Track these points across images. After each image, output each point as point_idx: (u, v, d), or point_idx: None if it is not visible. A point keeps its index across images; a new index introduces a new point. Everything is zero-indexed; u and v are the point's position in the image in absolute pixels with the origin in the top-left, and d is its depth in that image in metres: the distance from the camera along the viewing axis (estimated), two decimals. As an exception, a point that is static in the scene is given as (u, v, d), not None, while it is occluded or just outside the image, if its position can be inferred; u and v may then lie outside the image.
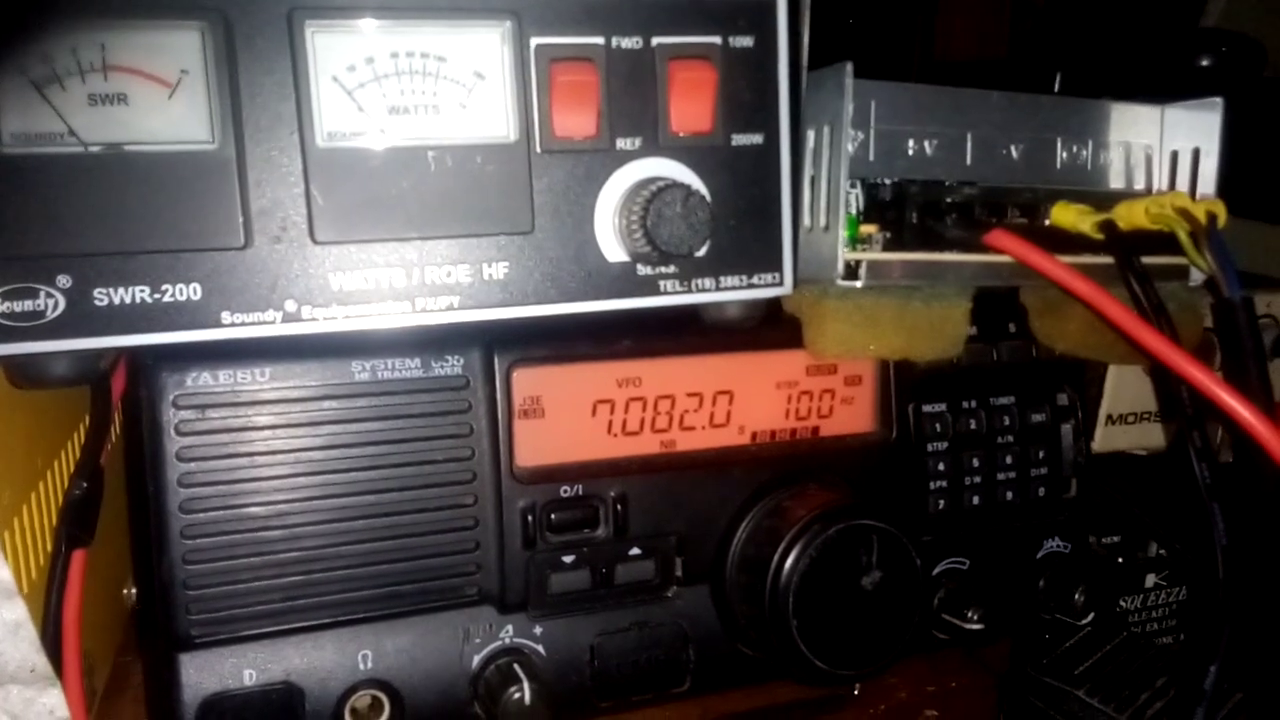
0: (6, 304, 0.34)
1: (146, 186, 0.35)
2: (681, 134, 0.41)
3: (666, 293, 0.41)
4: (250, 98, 0.35)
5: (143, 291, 0.35)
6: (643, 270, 0.41)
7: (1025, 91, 0.50)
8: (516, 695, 0.40)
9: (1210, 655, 0.37)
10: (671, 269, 0.41)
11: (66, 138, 0.34)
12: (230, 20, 0.35)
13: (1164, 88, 0.54)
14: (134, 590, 0.56)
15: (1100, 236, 0.45)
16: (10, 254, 0.34)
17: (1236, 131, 0.52)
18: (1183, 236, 0.45)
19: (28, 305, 0.34)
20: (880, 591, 0.44)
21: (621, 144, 0.40)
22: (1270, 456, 0.36)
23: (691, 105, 0.41)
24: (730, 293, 0.42)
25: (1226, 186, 0.52)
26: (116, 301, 0.35)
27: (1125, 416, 0.56)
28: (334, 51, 0.36)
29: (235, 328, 0.36)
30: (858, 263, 0.44)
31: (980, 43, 1.25)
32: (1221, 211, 0.46)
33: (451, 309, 0.39)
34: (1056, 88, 0.66)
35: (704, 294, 0.42)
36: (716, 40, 0.41)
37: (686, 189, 0.39)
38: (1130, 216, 0.47)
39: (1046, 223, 0.48)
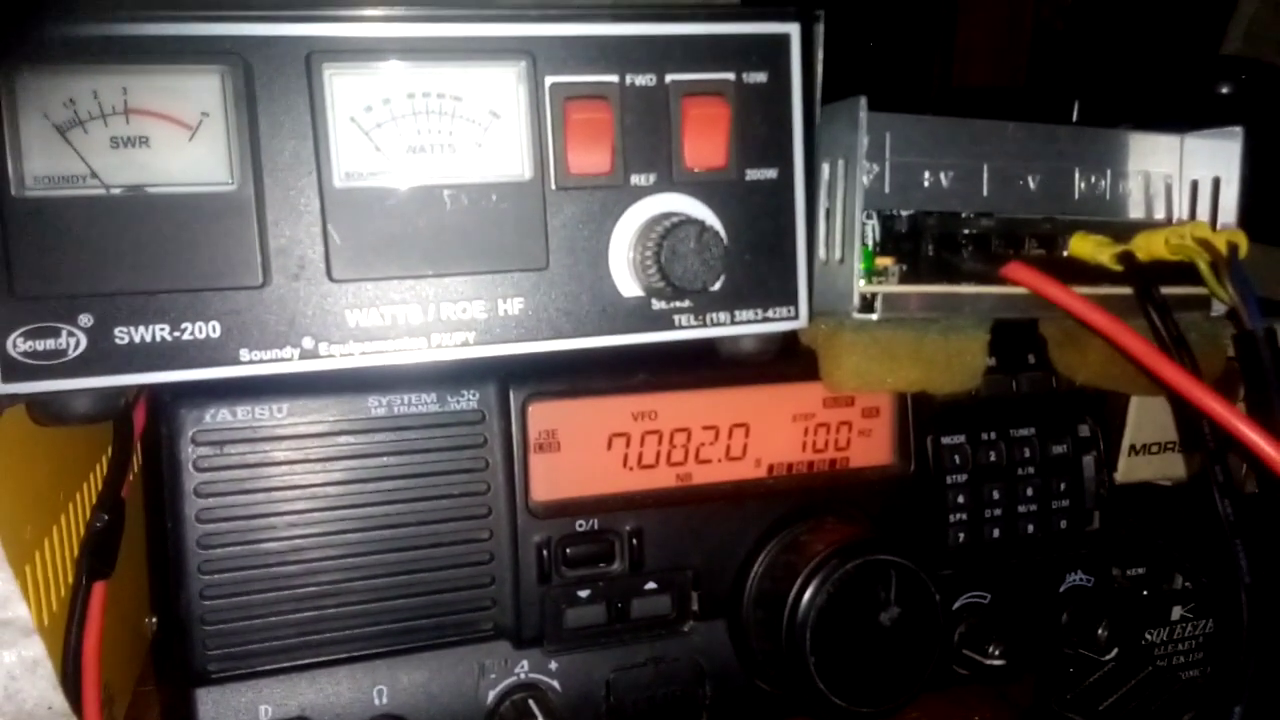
0: (29, 343, 0.34)
1: (167, 227, 0.35)
2: (696, 169, 0.41)
3: (681, 327, 0.41)
4: (269, 139, 0.36)
5: (163, 330, 0.36)
6: (657, 305, 0.41)
7: (1045, 119, 0.50)
8: (532, 732, 0.40)
9: (1236, 695, 0.36)
10: (686, 304, 0.41)
11: (89, 180, 0.34)
12: (250, 64, 0.35)
13: (1184, 116, 0.53)
14: (155, 619, 0.56)
15: (1119, 268, 0.45)
16: (33, 293, 0.34)
17: (1260, 158, 0.52)
18: (1203, 267, 0.45)
19: (50, 344, 0.35)
20: (899, 627, 0.43)
21: (636, 180, 0.40)
22: (1295, 492, 0.36)
23: (705, 141, 0.41)
24: (745, 326, 0.42)
25: (1251, 213, 0.51)
26: (137, 340, 0.35)
27: (1149, 447, 0.56)
28: (351, 93, 0.37)
29: (253, 365, 0.37)
30: (873, 295, 0.44)
31: (999, 68, 1.25)
32: (1243, 241, 0.46)
33: (467, 345, 0.39)
34: (1075, 116, 0.66)
35: (719, 328, 0.42)
36: (730, 76, 0.41)
37: (700, 225, 0.39)
38: (1150, 247, 0.46)
39: (1065, 254, 0.47)
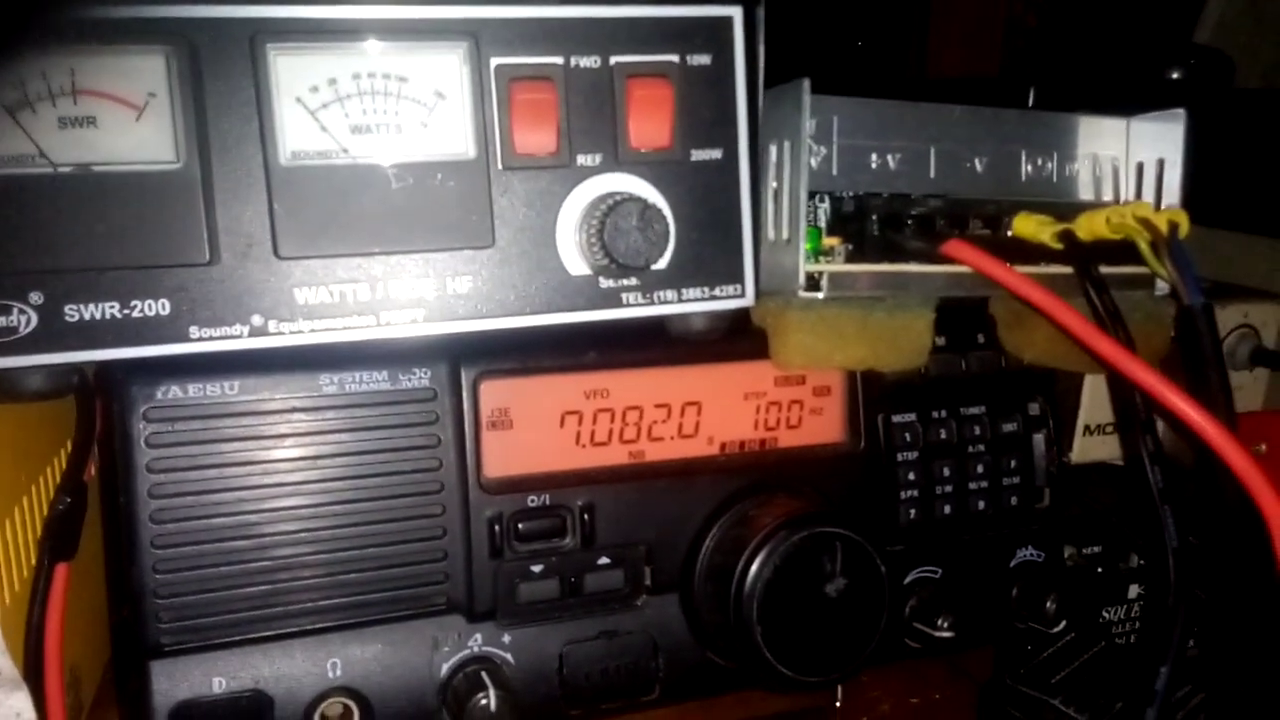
0: (-20, 320, 0.35)
1: (115, 205, 0.36)
2: (641, 149, 0.42)
3: (628, 305, 0.42)
4: (215, 119, 0.37)
5: (112, 307, 0.36)
6: (605, 283, 0.42)
7: (1011, 108, 0.51)
8: (483, 702, 0.41)
9: (1161, 656, 0.37)
10: (633, 281, 0.42)
11: (37, 159, 0.35)
12: (195, 45, 0.36)
13: (1135, 100, 0.54)
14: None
15: (1059, 246, 0.46)
16: (-17, 271, 0.35)
17: (1212, 142, 0.53)
18: (1143, 246, 0.46)
19: (0, 321, 0.35)
20: (845, 599, 0.44)
21: (582, 160, 0.41)
22: (1223, 460, 0.37)
23: (650, 122, 0.42)
24: (691, 304, 0.43)
25: (1204, 197, 0.52)
26: (87, 317, 0.36)
27: (1103, 427, 0.57)
28: (296, 73, 0.37)
29: (203, 342, 0.37)
30: (819, 274, 0.45)
31: (973, 61, 1.26)
32: (1183, 221, 0.47)
33: (416, 322, 0.40)
34: (1030, 102, 0.67)
35: (665, 306, 0.43)
36: (674, 58, 0.42)
37: (643, 203, 0.40)
38: (1092, 226, 0.47)
39: (1009, 234, 0.48)
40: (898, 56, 1.26)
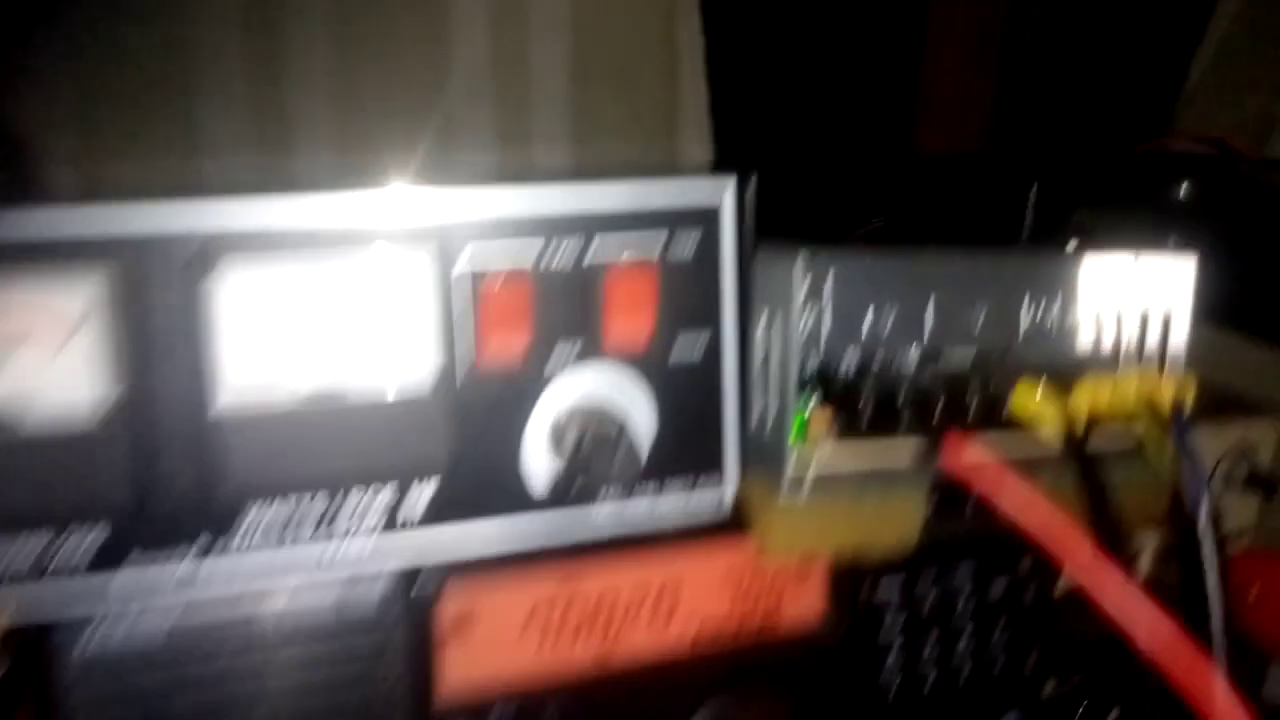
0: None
1: (37, 452, 0.32)
2: (618, 355, 0.38)
3: (600, 527, 0.39)
4: (148, 351, 0.33)
5: (29, 564, 0.33)
6: (573, 508, 0.39)
7: (1002, 190, 0.48)
8: None
9: None
10: (605, 504, 0.39)
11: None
12: (128, 271, 0.32)
13: (1141, 207, 0.52)
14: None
15: (1061, 438, 0.43)
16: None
17: (1230, 250, 0.50)
18: (1147, 434, 0.44)
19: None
20: (827, 809, 0.42)
21: (552, 371, 0.38)
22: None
23: (629, 324, 0.38)
24: (666, 518, 0.40)
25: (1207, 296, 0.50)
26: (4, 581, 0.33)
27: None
28: (240, 296, 0.33)
29: (131, 595, 0.34)
30: (806, 465, 0.42)
31: (962, 131, 1.22)
32: (1190, 396, 0.44)
33: (366, 558, 0.37)
34: (1032, 198, 0.64)
35: (639, 525, 0.40)
36: (656, 256, 0.38)
37: (619, 425, 0.37)
38: (1094, 401, 0.45)
39: (1007, 405, 0.45)
40: (884, 127, 1.20)
